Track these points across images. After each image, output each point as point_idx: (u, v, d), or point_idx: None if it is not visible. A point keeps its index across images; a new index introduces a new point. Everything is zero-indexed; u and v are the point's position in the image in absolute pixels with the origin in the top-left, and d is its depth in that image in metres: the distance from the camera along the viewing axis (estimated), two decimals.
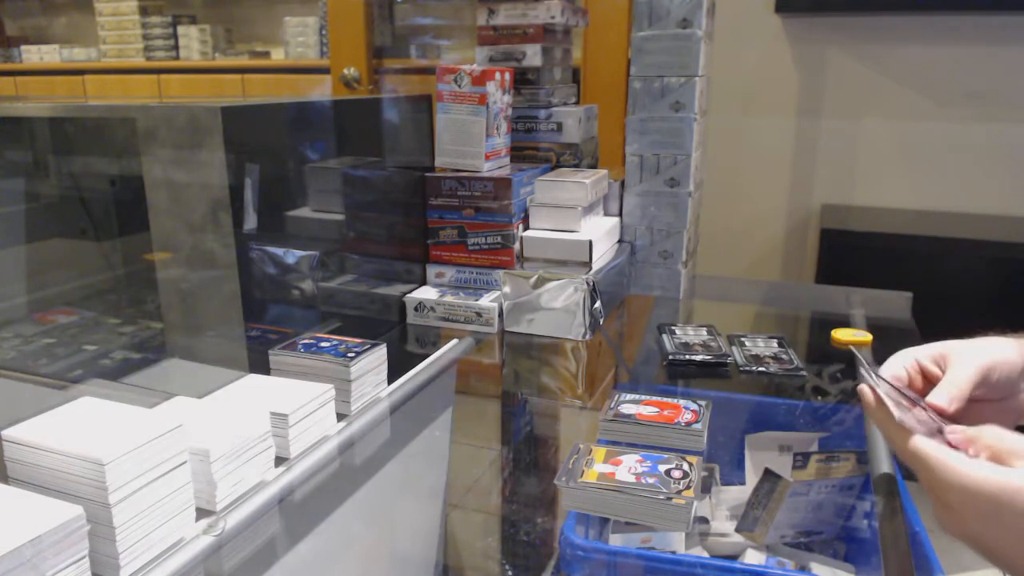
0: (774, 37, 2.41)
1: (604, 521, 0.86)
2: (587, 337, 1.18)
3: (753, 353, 1.14)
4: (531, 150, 1.41)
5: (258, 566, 0.68)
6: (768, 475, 0.90)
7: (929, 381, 0.64)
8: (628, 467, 0.79)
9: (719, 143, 2.16)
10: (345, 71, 2.53)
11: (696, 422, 0.87)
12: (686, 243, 1.41)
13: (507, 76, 1.30)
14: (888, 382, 0.63)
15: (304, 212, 1.07)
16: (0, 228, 1.13)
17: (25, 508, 0.53)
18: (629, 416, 0.88)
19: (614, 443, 0.86)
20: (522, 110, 1.39)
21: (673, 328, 1.22)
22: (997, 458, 0.51)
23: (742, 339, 1.19)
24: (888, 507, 0.79)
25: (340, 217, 1.13)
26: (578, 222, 1.27)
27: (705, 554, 0.94)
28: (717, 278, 1.69)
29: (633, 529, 0.86)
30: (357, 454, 0.83)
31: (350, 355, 0.86)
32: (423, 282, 1.29)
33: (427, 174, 1.26)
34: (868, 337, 1.19)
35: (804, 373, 1.09)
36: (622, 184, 1.42)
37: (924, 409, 0.60)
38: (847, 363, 1.13)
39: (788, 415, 1.02)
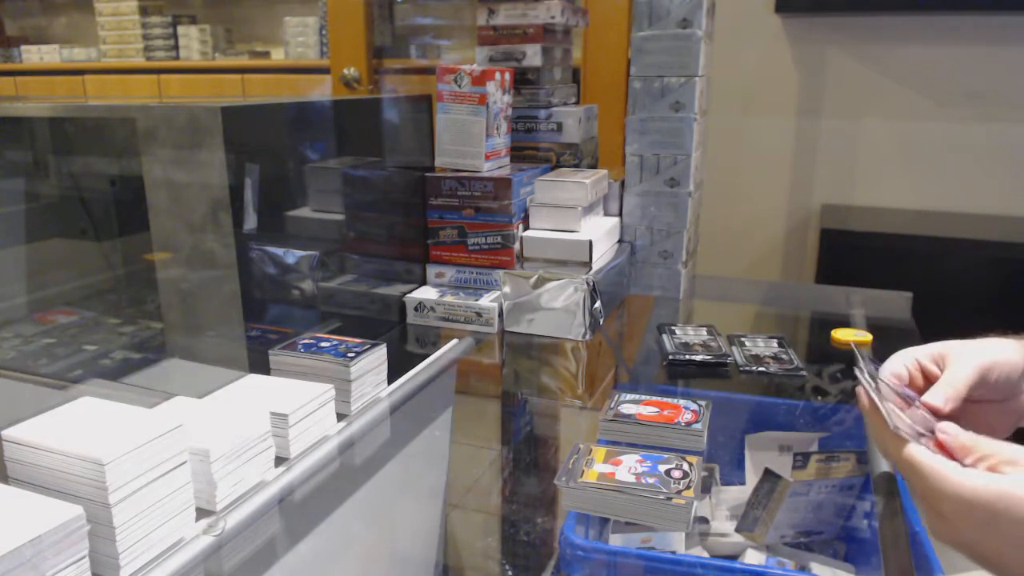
0: (774, 37, 2.41)
1: (604, 521, 0.86)
2: (587, 337, 1.18)
3: (753, 353, 1.14)
4: (531, 150, 1.41)
5: (258, 566, 0.68)
6: (768, 475, 0.90)
7: (929, 380, 0.64)
8: (628, 467, 0.79)
9: (719, 143, 2.16)
10: (345, 71, 2.53)
11: (696, 422, 0.87)
12: (686, 243, 1.41)
13: (507, 76, 1.30)
14: (885, 381, 0.63)
15: (304, 212, 1.07)
16: (0, 228, 1.13)
17: (25, 508, 0.53)
18: (629, 416, 0.88)
19: (614, 443, 0.86)
20: (522, 110, 1.39)
21: (673, 328, 1.22)
22: (993, 468, 0.50)
23: (742, 339, 1.19)
24: (888, 507, 0.79)
25: (340, 217, 1.13)
26: (578, 222, 1.27)
27: (705, 554, 0.94)
28: (717, 278, 1.69)
29: (633, 529, 0.86)
30: (357, 454, 0.83)
31: (350, 355, 0.86)
32: (423, 282, 1.29)
33: (427, 174, 1.26)
34: (868, 337, 1.19)
35: (804, 373, 1.09)
36: (622, 184, 1.42)
37: (920, 409, 0.60)
38: (847, 363, 1.13)
39: (788, 415, 1.02)
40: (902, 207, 2.38)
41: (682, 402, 0.92)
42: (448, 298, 1.21)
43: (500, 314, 1.20)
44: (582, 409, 1.15)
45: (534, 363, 1.22)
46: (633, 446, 0.85)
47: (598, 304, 1.18)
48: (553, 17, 1.33)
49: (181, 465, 0.62)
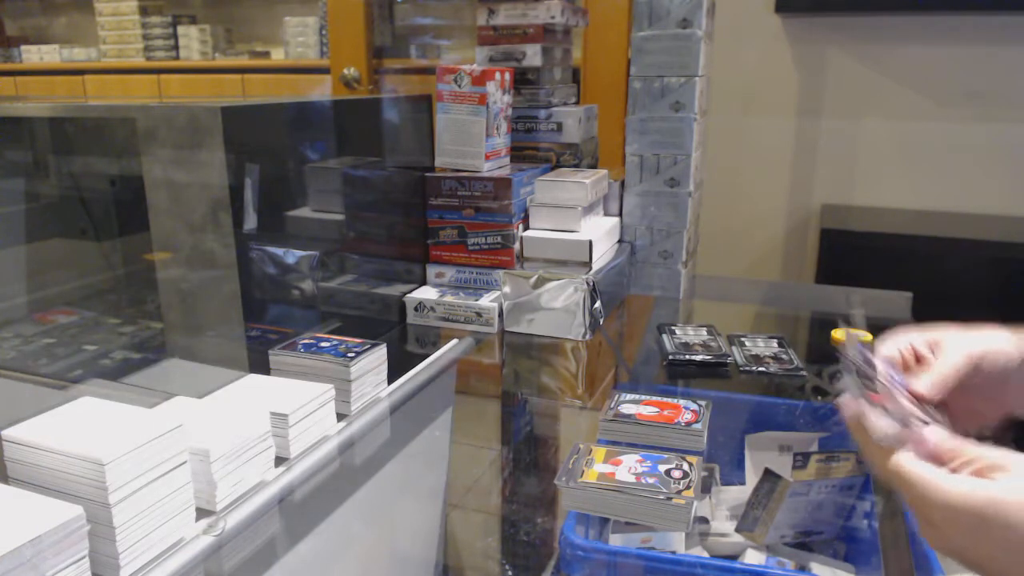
0: (774, 37, 2.41)
1: (604, 521, 0.86)
2: (587, 337, 1.18)
3: (753, 353, 1.14)
4: (531, 150, 1.41)
5: (258, 566, 0.68)
6: (768, 475, 0.90)
7: (921, 365, 0.65)
8: (628, 467, 0.79)
9: (719, 143, 2.16)
10: (345, 71, 2.53)
11: (696, 422, 0.87)
12: (686, 243, 1.41)
13: (507, 76, 1.30)
14: (874, 362, 0.63)
15: (304, 212, 1.07)
16: (0, 228, 1.13)
17: (25, 508, 0.53)
18: (629, 416, 0.88)
19: (614, 443, 0.86)
20: (522, 110, 1.39)
21: (673, 328, 1.22)
22: (980, 470, 0.50)
23: (742, 339, 1.19)
24: (888, 507, 0.79)
25: (340, 217, 1.13)
26: (578, 222, 1.27)
27: (705, 554, 0.93)
28: (717, 278, 1.69)
29: (633, 529, 0.86)
30: (357, 454, 0.83)
31: (350, 355, 0.86)
32: (423, 282, 1.29)
33: (427, 174, 1.26)
34: (868, 337, 1.18)
35: (804, 373, 1.09)
36: (622, 184, 1.42)
37: (906, 397, 0.60)
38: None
39: (788, 415, 1.02)
40: (902, 207, 2.38)
41: (682, 402, 0.92)
42: (448, 298, 1.21)
43: (500, 314, 1.20)
44: (582, 409, 1.15)
45: (534, 363, 1.22)
46: (633, 446, 0.85)
47: (598, 304, 1.18)
48: (553, 17, 1.33)
49: (181, 465, 0.62)
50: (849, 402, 0.60)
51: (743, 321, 1.55)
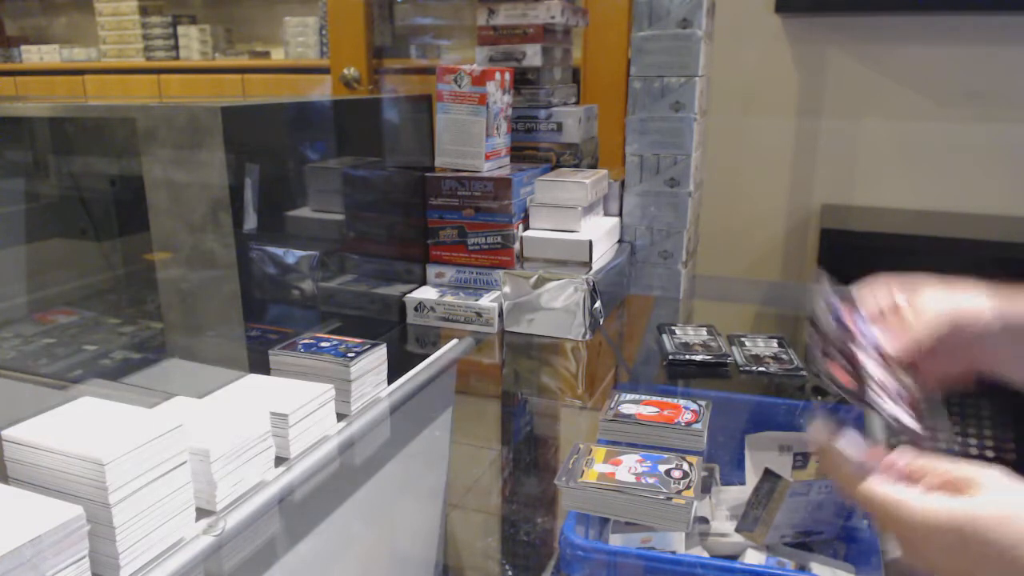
0: (774, 37, 2.41)
1: (604, 521, 0.86)
2: (587, 337, 1.18)
3: (753, 353, 1.14)
4: (531, 150, 1.41)
5: (258, 566, 0.68)
6: (768, 475, 0.90)
7: (897, 317, 0.65)
8: (628, 467, 0.79)
9: (719, 143, 2.15)
10: (345, 71, 2.53)
11: (696, 422, 0.87)
12: (686, 243, 1.41)
13: (507, 76, 1.30)
14: (847, 323, 0.63)
15: (304, 212, 1.07)
16: (0, 228, 1.13)
17: (25, 508, 0.53)
18: (629, 416, 0.88)
19: (614, 443, 0.86)
20: (522, 110, 1.39)
21: (673, 328, 1.22)
22: (951, 487, 0.51)
23: (742, 339, 1.19)
24: None
25: (340, 217, 1.13)
26: (578, 222, 1.27)
27: (705, 554, 0.93)
28: (717, 278, 1.69)
29: (633, 529, 0.86)
30: (357, 454, 0.83)
31: (350, 355, 0.86)
32: (423, 282, 1.29)
33: (427, 174, 1.26)
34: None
35: (804, 373, 1.09)
36: (622, 184, 1.42)
37: (878, 362, 0.60)
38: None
39: (788, 415, 1.02)
40: (902, 207, 2.38)
41: (682, 402, 0.92)
42: (448, 298, 1.21)
43: (500, 314, 1.20)
44: (582, 409, 1.15)
45: (534, 363, 1.22)
46: (633, 446, 0.85)
47: (598, 304, 1.18)
48: (553, 17, 1.33)
49: (181, 465, 0.62)
50: (816, 434, 0.61)
51: (743, 321, 1.55)
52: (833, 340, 0.62)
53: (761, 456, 1.00)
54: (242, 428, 0.68)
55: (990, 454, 2.01)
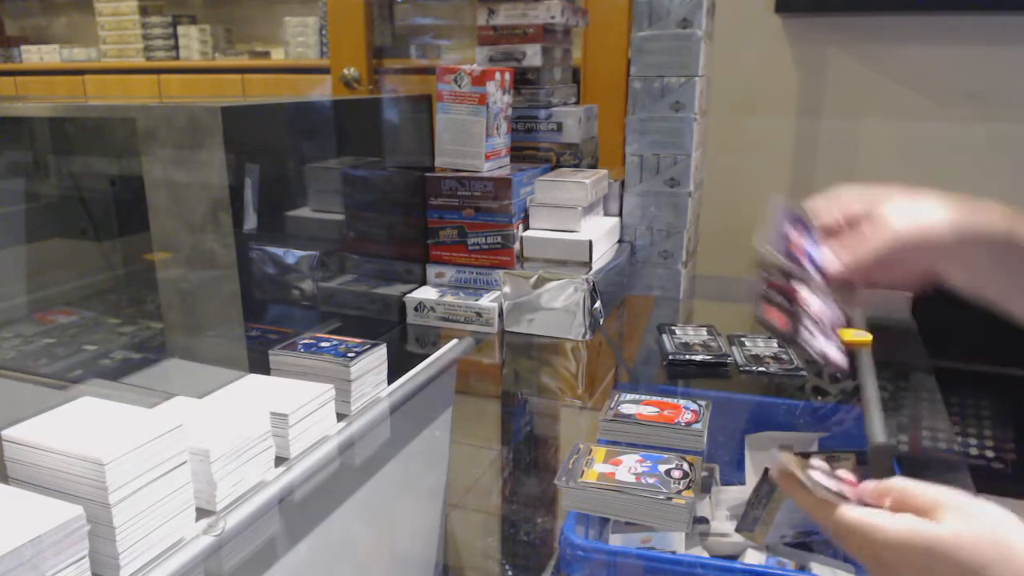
0: (774, 37, 2.41)
1: (604, 521, 0.86)
2: (587, 337, 1.18)
3: (753, 353, 1.14)
4: (531, 150, 1.41)
5: (258, 566, 0.68)
6: (768, 475, 0.89)
7: (854, 231, 0.65)
8: (628, 467, 0.79)
9: (719, 143, 2.15)
10: (345, 71, 2.53)
11: (696, 422, 0.87)
12: (686, 243, 1.41)
13: (507, 76, 1.30)
14: (794, 250, 0.63)
15: (304, 212, 1.07)
16: (0, 228, 1.13)
17: (25, 508, 0.53)
18: (629, 416, 0.88)
19: (614, 443, 0.86)
20: (522, 110, 1.39)
21: (673, 328, 1.22)
22: (919, 512, 0.52)
23: (742, 339, 1.19)
24: None
25: (340, 217, 1.13)
26: (578, 222, 1.27)
27: (705, 554, 0.93)
28: (717, 278, 1.69)
29: (633, 529, 0.86)
30: (357, 454, 0.83)
31: (350, 355, 0.86)
32: (423, 282, 1.29)
33: (427, 174, 1.26)
34: (868, 337, 1.18)
35: (804, 373, 1.09)
36: (622, 184, 1.42)
37: (821, 296, 0.61)
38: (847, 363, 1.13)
39: (788, 415, 1.02)
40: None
41: (682, 402, 0.92)
42: (448, 298, 1.21)
43: (500, 314, 1.20)
44: (582, 409, 1.15)
45: (534, 363, 1.22)
46: (633, 446, 0.85)
47: (598, 304, 1.18)
48: (553, 17, 1.33)
49: (181, 465, 0.62)
50: (780, 470, 0.62)
51: (743, 321, 1.54)
52: (775, 280, 0.63)
53: (761, 456, 1.00)
54: (242, 428, 0.68)
55: (990, 454, 2.01)
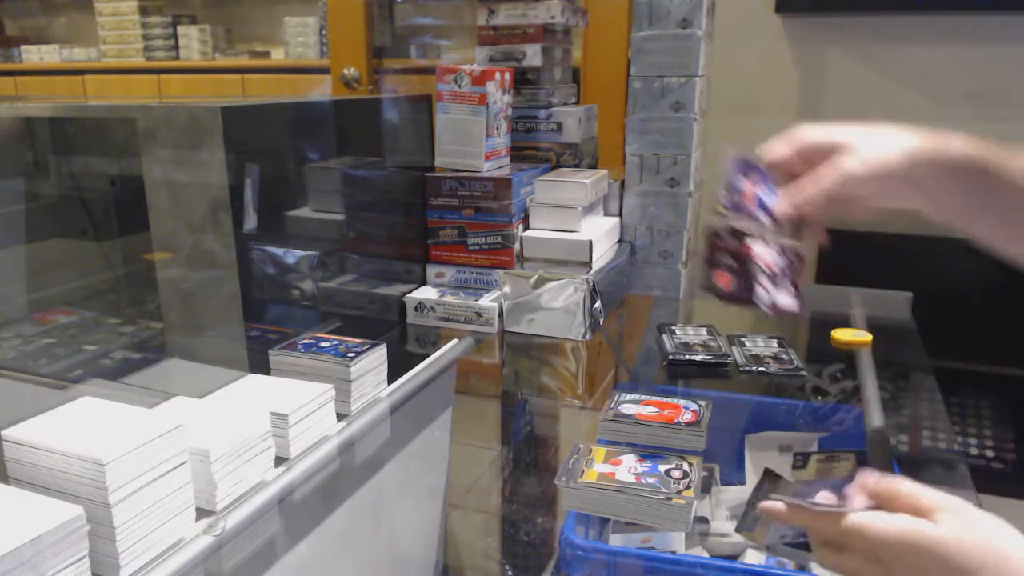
0: (774, 37, 2.41)
1: (604, 521, 0.86)
2: (587, 337, 1.18)
3: (753, 353, 1.14)
4: (531, 150, 1.41)
5: (258, 566, 0.68)
6: (768, 475, 0.90)
7: (811, 168, 0.66)
8: (628, 467, 0.79)
9: (719, 143, 2.15)
10: (345, 71, 2.53)
11: (696, 422, 0.87)
12: (686, 243, 1.41)
13: (507, 76, 1.30)
14: (747, 199, 0.64)
15: (304, 212, 1.07)
16: (0, 228, 1.13)
17: (25, 508, 0.53)
18: (629, 416, 0.88)
19: (614, 443, 0.86)
20: (522, 110, 1.39)
21: (673, 328, 1.22)
22: (917, 513, 0.53)
23: (742, 339, 1.19)
24: None
25: (340, 217, 1.13)
26: (578, 222, 1.27)
27: (705, 554, 0.93)
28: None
29: (633, 529, 0.86)
30: (357, 454, 0.83)
31: (350, 355, 0.86)
32: (423, 282, 1.29)
33: (427, 174, 1.26)
34: (868, 337, 1.19)
35: (804, 373, 1.09)
36: (622, 184, 1.42)
37: (773, 244, 0.61)
38: (847, 363, 1.13)
39: (788, 415, 1.02)
40: (902, 207, 2.38)
41: (682, 402, 0.92)
42: (448, 298, 1.21)
43: (500, 314, 1.20)
44: (582, 409, 1.15)
45: (534, 363, 1.23)
46: (633, 446, 0.85)
47: (598, 304, 1.18)
48: (553, 17, 1.33)
49: (181, 465, 0.62)
50: (776, 506, 0.62)
51: (743, 321, 1.54)
52: (724, 242, 0.64)
53: (761, 456, 1.00)
54: (242, 428, 0.68)
55: (990, 454, 2.01)
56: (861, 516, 0.54)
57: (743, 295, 0.62)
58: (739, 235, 0.64)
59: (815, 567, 0.90)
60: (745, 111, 2.48)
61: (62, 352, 1.07)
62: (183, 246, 0.90)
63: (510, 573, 0.93)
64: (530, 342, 1.19)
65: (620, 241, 1.44)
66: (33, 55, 4.07)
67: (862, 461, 0.90)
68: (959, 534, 0.50)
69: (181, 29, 3.72)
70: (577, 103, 1.49)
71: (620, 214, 1.44)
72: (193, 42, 3.68)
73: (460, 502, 1.07)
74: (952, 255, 2.06)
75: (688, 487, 0.76)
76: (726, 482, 1.03)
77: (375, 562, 0.92)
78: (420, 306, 1.22)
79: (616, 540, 0.86)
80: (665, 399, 0.92)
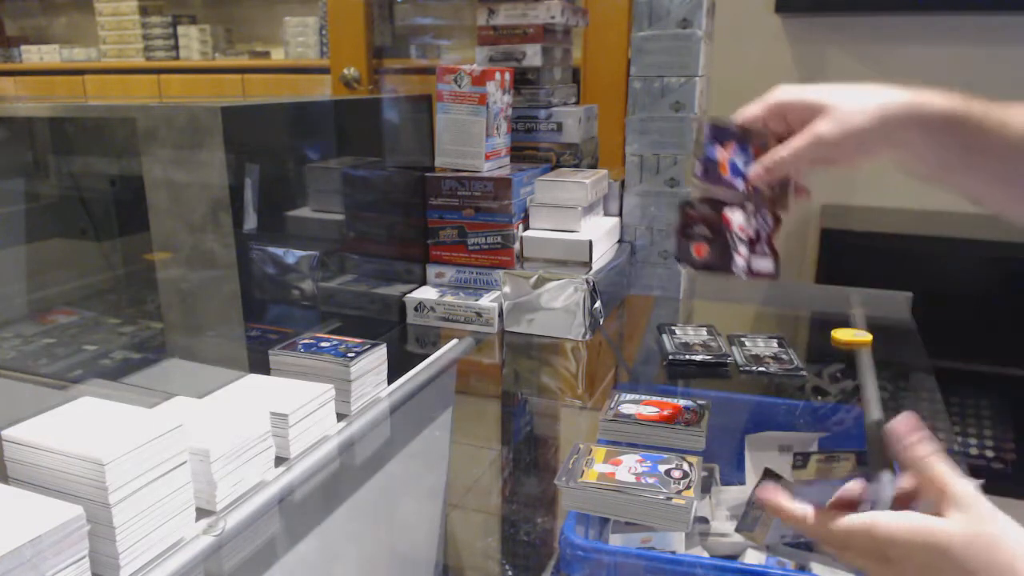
0: (774, 37, 2.41)
1: (604, 521, 0.86)
2: (587, 337, 1.18)
3: (753, 353, 1.14)
4: (531, 150, 1.41)
5: (258, 566, 0.68)
6: (768, 475, 0.89)
7: (790, 129, 0.66)
8: (628, 467, 0.79)
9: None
10: (345, 71, 2.53)
11: (696, 422, 0.87)
12: None
13: (507, 76, 1.30)
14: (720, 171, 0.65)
15: (304, 212, 1.07)
16: (0, 228, 1.13)
17: (25, 508, 0.53)
18: (629, 416, 0.88)
19: (614, 443, 0.86)
20: (522, 110, 1.39)
21: (673, 328, 1.22)
22: (941, 499, 0.52)
23: (742, 339, 1.19)
24: None
25: (340, 217, 1.13)
26: (578, 222, 1.27)
27: (705, 554, 0.93)
28: (717, 278, 1.69)
29: (633, 529, 0.86)
30: (357, 454, 0.83)
31: (350, 355, 0.86)
32: (423, 282, 1.29)
33: (427, 174, 1.26)
34: (868, 337, 1.19)
35: (804, 373, 1.09)
36: (622, 184, 1.42)
37: (748, 209, 0.62)
38: (847, 363, 1.13)
39: (788, 415, 1.02)
40: (902, 207, 2.38)
41: (682, 402, 0.92)
42: (448, 298, 1.21)
43: (500, 314, 1.20)
44: (582, 409, 1.15)
45: (534, 363, 1.23)
46: (633, 446, 0.85)
47: (598, 304, 1.18)
48: (553, 17, 1.33)
49: (181, 465, 0.62)
50: (768, 496, 0.62)
51: (743, 321, 1.54)
52: (699, 212, 0.65)
53: (761, 456, 1.00)
54: (242, 428, 0.68)
55: (990, 454, 2.01)
56: (865, 516, 0.54)
57: (719, 264, 0.63)
58: (714, 204, 0.64)
59: (815, 567, 0.90)
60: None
61: (62, 352, 1.07)
62: (183, 246, 0.90)
63: (510, 573, 0.93)
64: (530, 342, 1.19)
65: (620, 241, 1.44)
66: (33, 55, 4.07)
67: (862, 461, 0.90)
68: (974, 533, 0.49)
69: (181, 29, 3.72)
70: (577, 103, 1.49)
71: (620, 214, 1.44)
72: (193, 42, 3.68)
73: (460, 502, 1.07)
74: (952, 255, 2.07)
75: (688, 487, 0.76)
76: (726, 482, 1.03)
77: (375, 562, 0.92)
78: (420, 306, 1.22)
79: (616, 540, 0.86)
80: (665, 399, 0.92)
